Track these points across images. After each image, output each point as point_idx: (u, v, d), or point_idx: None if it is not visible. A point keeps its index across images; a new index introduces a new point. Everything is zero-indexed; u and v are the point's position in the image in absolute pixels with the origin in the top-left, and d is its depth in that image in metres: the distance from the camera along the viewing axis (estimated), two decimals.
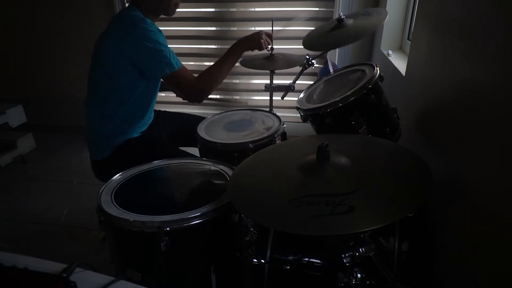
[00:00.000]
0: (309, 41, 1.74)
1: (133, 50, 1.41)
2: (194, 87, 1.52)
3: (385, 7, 2.24)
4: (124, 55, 1.41)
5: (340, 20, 1.62)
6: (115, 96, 1.52)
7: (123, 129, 1.56)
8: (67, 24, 2.93)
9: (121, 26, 1.45)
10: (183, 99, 1.80)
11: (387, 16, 1.53)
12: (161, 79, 1.51)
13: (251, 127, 1.67)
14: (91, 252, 1.85)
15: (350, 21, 1.62)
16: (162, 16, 1.57)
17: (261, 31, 1.66)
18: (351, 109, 1.30)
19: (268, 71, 2.03)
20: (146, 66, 1.45)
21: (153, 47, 1.40)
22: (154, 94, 1.62)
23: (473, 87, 1.00)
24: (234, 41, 2.85)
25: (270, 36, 1.68)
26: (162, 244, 1.01)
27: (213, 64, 1.59)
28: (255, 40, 1.64)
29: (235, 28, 2.85)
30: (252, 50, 1.67)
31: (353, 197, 0.82)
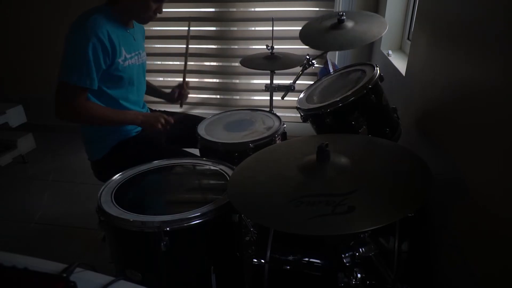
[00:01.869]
0: (307, 36, 1.74)
1: None
2: (69, 108, 1.41)
3: (385, 7, 2.24)
4: None
5: (341, 20, 1.62)
6: (99, 97, 1.50)
7: (115, 129, 1.56)
8: (67, 24, 2.92)
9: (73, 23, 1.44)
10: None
11: (387, 28, 1.54)
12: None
13: (251, 127, 1.67)
14: (91, 252, 1.85)
15: (350, 24, 1.62)
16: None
17: (161, 114, 1.56)
18: (351, 109, 1.30)
19: (268, 71, 2.03)
20: None
21: (68, 48, 1.39)
22: (130, 93, 1.59)
23: (473, 87, 1.00)
24: (234, 41, 2.89)
25: (169, 121, 1.56)
26: (162, 244, 1.01)
27: (104, 110, 1.48)
28: (153, 124, 1.53)
29: (235, 28, 2.85)
30: (146, 129, 1.57)
31: (353, 197, 0.82)
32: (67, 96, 1.40)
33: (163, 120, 1.54)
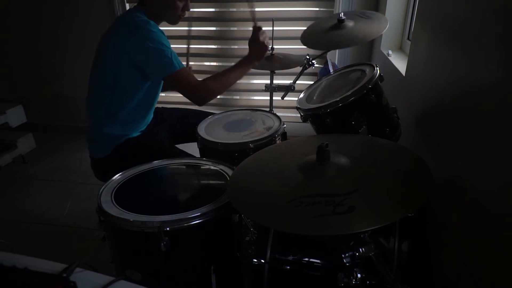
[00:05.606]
0: (308, 37, 1.75)
1: (135, 52, 1.41)
2: (197, 89, 1.50)
3: (385, 7, 2.24)
4: (127, 57, 1.42)
5: (341, 20, 1.62)
6: (118, 97, 1.52)
7: (123, 129, 1.57)
8: (67, 24, 2.93)
9: (125, 28, 1.45)
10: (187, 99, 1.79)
11: (387, 25, 1.54)
12: (163, 80, 1.51)
13: (251, 127, 1.67)
14: (91, 252, 1.85)
15: (350, 23, 1.63)
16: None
17: (254, 34, 1.58)
18: (351, 109, 1.30)
19: (268, 71, 2.03)
20: (149, 67, 1.45)
21: (155, 47, 1.40)
22: (156, 96, 1.62)
23: (473, 87, 1.00)
24: (234, 41, 2.89)
25: (260, 29, 1.58)
26: (162, 244, 1.01)
27: (221, 72, 1.57)
28: (258, 44, 1.56)
29: (235, 28, 2.85)
30: (261, 56, 1.60)
31: (353, 197, 0.82)
32: (189, 80, 1.49)
33: (266, 41, 1.57)
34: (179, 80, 1.47)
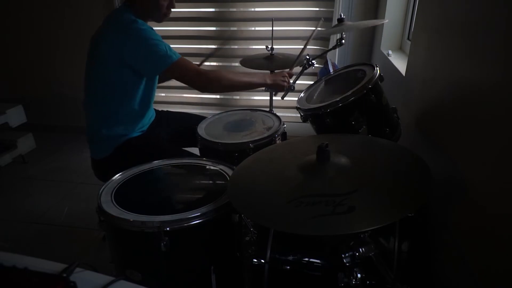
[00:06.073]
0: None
1: (129, 52, 1.41)
2: (201, 73, 1.51)
3: (385, 7, 2.24)
4: (120, 58, 1.42)
5: (340, 19, 1.63)
6: (113, 97, 1.52)
7: (123, 129, 1.57)
8: (67, 24, 2.93)
9: (115, 29, 1.45)
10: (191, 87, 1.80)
11: (386, 20, 1.55)
12: (164, 74, 1.51)
13: (251, 127, 1.67)
14: (91, 252, 1.85)
15: (349, 22, 1.64)
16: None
17: (283, 72, 1.69)
18: (351, 109, 1.30)
19: (268, 71, 2.03)
20: (146, 64, 1.45)
21: (148, 43, 1.40)
22: (152, 92, 1.62)
23: (473, 87, 1.00)
24: (234, 41, 2.89)
25: (291, 75, 1.72)
26: (162, 244, 1.01)
27: (237, 72, 1.60)
28: (280, 83, 1.66)
29: (235, 28, 2.85)
30: (272, 84, 1.66)
31: (353, 197, 0.82)
32: (191, 67, 1.51)
33: (287, 78, 1.67)
34: (180, 69, 1.47)
